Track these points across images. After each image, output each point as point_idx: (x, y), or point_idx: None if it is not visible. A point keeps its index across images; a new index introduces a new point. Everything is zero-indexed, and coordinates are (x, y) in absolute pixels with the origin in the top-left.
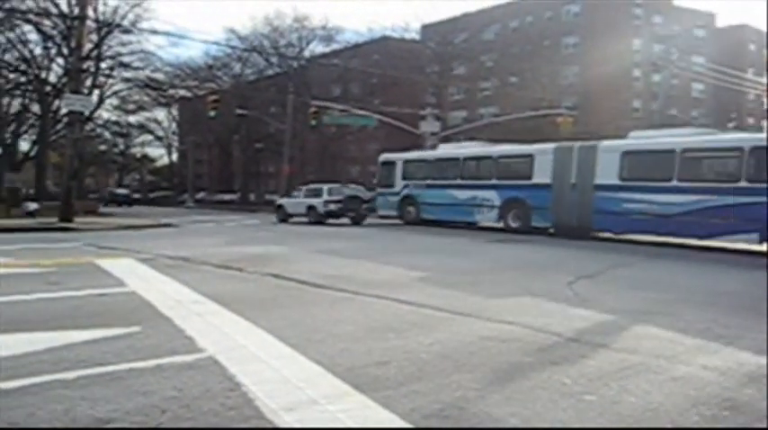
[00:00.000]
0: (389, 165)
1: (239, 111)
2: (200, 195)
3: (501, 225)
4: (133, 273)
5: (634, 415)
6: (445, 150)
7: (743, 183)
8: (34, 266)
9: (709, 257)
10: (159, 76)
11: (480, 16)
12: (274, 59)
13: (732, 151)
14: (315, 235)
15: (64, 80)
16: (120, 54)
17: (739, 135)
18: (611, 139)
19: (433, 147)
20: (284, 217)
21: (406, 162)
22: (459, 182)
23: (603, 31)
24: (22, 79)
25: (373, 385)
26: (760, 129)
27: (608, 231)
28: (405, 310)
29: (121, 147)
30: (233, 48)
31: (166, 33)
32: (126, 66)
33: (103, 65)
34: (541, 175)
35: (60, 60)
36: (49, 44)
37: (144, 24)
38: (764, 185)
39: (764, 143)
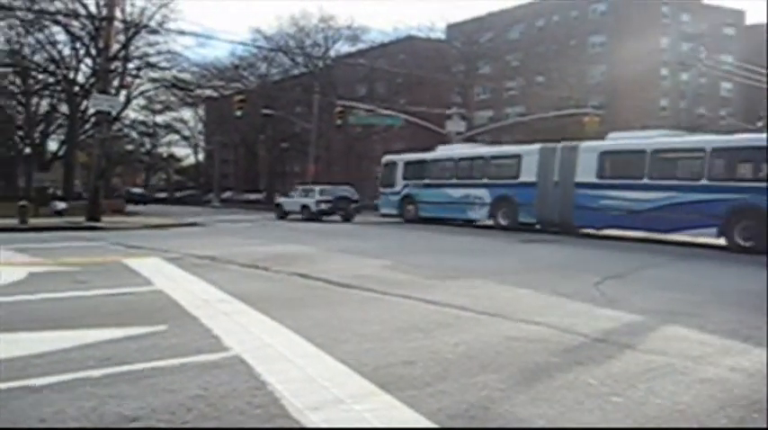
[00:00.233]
0: (391, 165)
1: (265, 111)
2: (226, 195)
3: (491, 222)
4: (160, 272)
5: (661, 416)
6: (442, 152)
7: (704, 182)
8: (62, 265)
9: (737, 258)
10: (186, 76)
11: (506, 15)
12: (300, 59)
13: (696, 152)
14: (336, 234)
15: (92, 80)
16: (147, 54)
17: (703, 137)
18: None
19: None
20: (282, 214)
21: (407, 163)
22: (453, 181)
23: (630, 29)
24: (51, 80)
25: (399, 385)
26: None
27: (587, 226)
28: (431, 310)
29: (148, 146)
30: (259, 48)
31: (193, 34)
32: (153, 66)
33: (131, 65)
34: (528, 174)
35: (88, 61)
36: (78, 45)
37: (171, 25)
38: (723, 184)
39: (724, 145)
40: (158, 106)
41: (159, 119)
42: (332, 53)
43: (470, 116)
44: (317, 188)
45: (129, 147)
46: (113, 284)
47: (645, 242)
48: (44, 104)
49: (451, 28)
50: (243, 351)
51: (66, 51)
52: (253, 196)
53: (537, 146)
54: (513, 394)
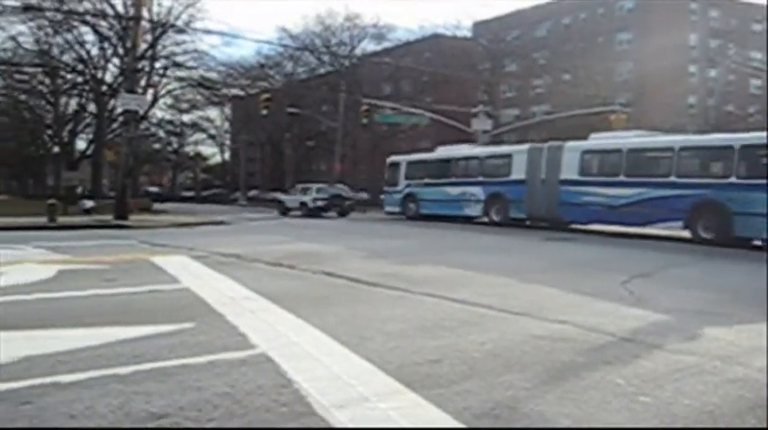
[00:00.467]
0: (395, 166)
1: (291, 110)
2: (253, 193)
3: (486, 219)
4: (186, 270)
5: (689, 417)
6: (440, 153)
7: (672, 178)
8: (91, 263)
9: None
10: (212, 75)
11: (532, 13)
12: (326, 58)
13: (665, 151)
14: (358, 233)
15: (119, 80)
16: (174, 54)
17: (672, 137)
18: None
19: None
20: (284, 210)
21: (409, 163)
22: (451, 180)
23: (658, 26)
24: (80, 79)
25: (425, 383)
26: None
27: (571, 221)
28: (456, 309)
29: (175, 145)
30: (285, 47)
31: (219, 33)
32: (180, 65)
33: (158, 64)
34: (518, 173)
35: (116, 60)
36: (106, 45)
37: (197, 24)
38: (688, 181)
39: (690, 144)
40: (185, 105)
41: (186, 118)
42: (358, 52)
43: (496, 114)
44: (315, 187)
45: (157, 145)
46: (141, 282)
47: (669, 240)
48: (72, 104)
49: (478, 26)
50: (269, 349)
51: (95, 51)
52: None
53: (526, 146)
54: (540, 393)
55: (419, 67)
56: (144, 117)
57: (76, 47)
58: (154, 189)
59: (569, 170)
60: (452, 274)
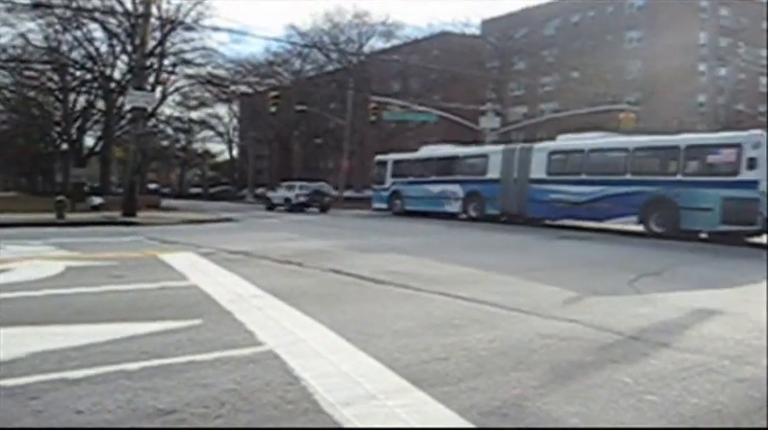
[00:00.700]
0: (382, 164)
1: (299, 107)
2: (261, 190)
3: (465, 215)
4: (194, 267)
5: (697, 416)
6: (424, 152)
7: (628, 176)
8: (99, 260)
9: None
10: (221, 72)
11: (541, 11)
12: (334, 55)
13: (621, 151)
14: (368, 231)
15: (128, 77)
16: (182, 51)
17: (627, 138)
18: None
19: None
20: (270, 205)
21: (395, 162)
22: (433, 178)
23: (668, 24)
24: (88, 76)
25: (432, 381)
26: None
27: (540, 218)
28: (464, 307)
29: (183, 142)
30: (293, 44)
31: (228, 30)
32: (188, 62)
33: (166, 62)
34: (493, 172)
35: (125, 57)
36: (114, 42)
37: (206, 21)
38: (641, 178)
39: (642, 145)
40: (193, 102)
41: (194, 115)
42: (366, 49)
43: (505, 112)
44: (297, 184)
45: (165, 142)
46: (149, 279)
47: (678, 239)
48: (81, 101)
49: (486, 24)
50: (276, 346)
51: (103, 48)
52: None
53: (501, 146)
54: (547, 392)
55: (427, 65)
56: (152, 114)
57: (85, 44)
58: (152, 186)
59: (538, 170)
60: (461, 272)
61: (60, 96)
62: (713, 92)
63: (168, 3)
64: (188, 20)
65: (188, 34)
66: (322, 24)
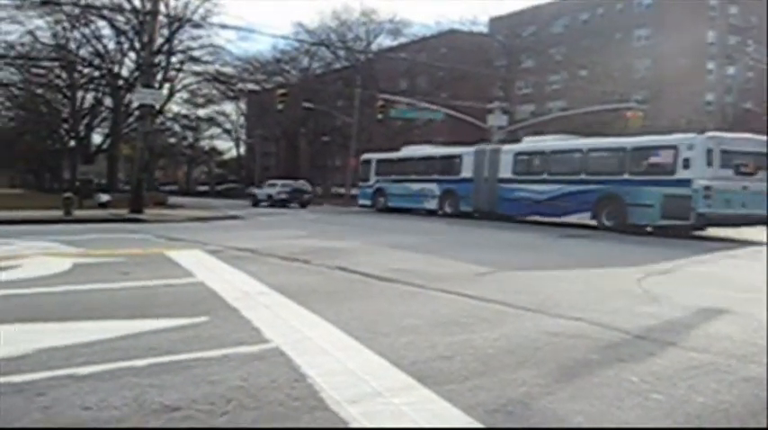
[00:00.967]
0: (367, 163)
1: (306, 105)
2: None
3: (440, 211)
4: (201, 264)
5: (703, 415)
6: (405, 152)
7: (582, 176)
8: (106, 256)
9: None
10: (228, 69)
11: (549, 9)
12: (342, 53)
13: (577, 152)
14: (376, 229)
15: (136, 74)
16: (190, 48)
17: (582, 140)
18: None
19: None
20: (255, 202)
21: (379, 161)
22: (413, 177)
23: (676, 22)
24: (96, 74)
25: (438, 379)
26: None
27: (508, 214)
28: (470, 305)
29: (190, 140)
30: (301, 41)
31: (236, 28)
32: (196, 60)
33: (174, 59)
34: (467, 172)
35: (132, 55)
36: (122, 39)
37: (214, 19)
38: (594, 177)
39: (595, 146)
40: (201, 100)
41: (201, 112)
42: (373, 47)
43: (512, 110)
44: (279, 182)
45: (172, 140)
46: (156, 276)
47: (683, 238)
48: (89, 98)
49: (494, 21)
50: (283, 343)
51: (111, 46)
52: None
53: (473, 148)
54: (553, 390)
55: (435, 63)
56: (160, 111)
57: (93, 41)
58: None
59: (505, 170)
60: (467, 271)
61: (68, 93)
62: (721, 90)
63: (176, 0)
64: (196, 17)
65: (196, 32)
66: (329, 22)
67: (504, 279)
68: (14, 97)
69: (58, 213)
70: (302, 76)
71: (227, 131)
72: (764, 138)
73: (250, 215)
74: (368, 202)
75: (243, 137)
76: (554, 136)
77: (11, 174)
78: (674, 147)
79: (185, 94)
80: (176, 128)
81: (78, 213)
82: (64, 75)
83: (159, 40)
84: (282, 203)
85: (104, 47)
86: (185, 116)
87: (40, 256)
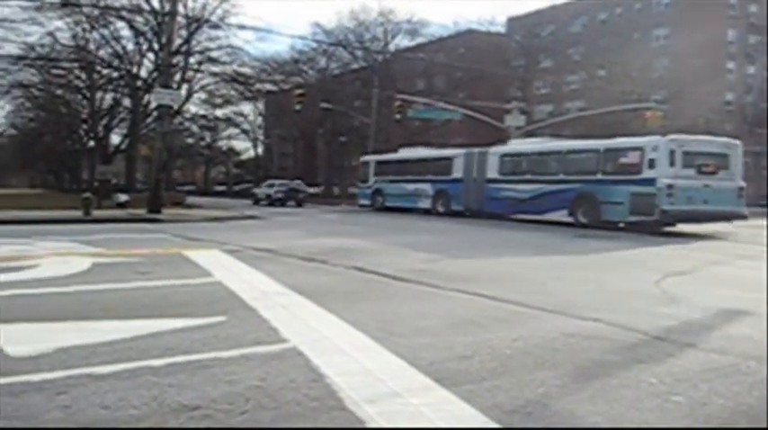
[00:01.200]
0: (366, 164)
1: (324, 105)
2: None
3: (434, 211)
4: (219, 264)
5: (722, 417)
6: (401, 154)
7: (561, 176)
8: (125, 256)
9: None
10: (246, 70)
11: (567, 8)
12: (359, 53)
13: (555, 154)
14: (392, 229)
15: (154, 75)
16: (208, 49)
17: (560, 143)
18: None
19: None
20: (256, 201)
21: (377, 162)
22: (409, 177)
23: (696, 21)
24: (115, 74)
25: (455, 379)
26: None
27: (495, 213)
28: (488, 305)
29: (208, 140)
30: (318, 42)
31: (254, 28)
32: (214, 60)
33: (192, 60)
34: (457, 173)
35: (151, 56)
36: (141, 40)
37: (232, 20)
38: (571, 177)
39: (572, 148)
40: (219, 100)
41: (219, 112)
42: (391, 47)
43: (530, 110)
44: (277, 182)
45: (190, 140)
46: (174, 275)
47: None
48: (108, 98)
49: (512, 21)
50: (300, 343)
51: (130, 47)
52: (311, 189)
53: (463, 150)
54: (571, 391)
55: (452, 63)
56: (178, 112)
57: (112, 42)
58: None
59: (492, 171)
60: (484, 271)
61: (87, 94)
62: (741, 90)
63: (194, 1)
64: (214, 18)
65: (214, 32)
66: (347, 22)
67: (521, 279)
68: (34, 98)
69: (77, 213)
70: (320, 77)
71: (245, 132)
72: (725, 140)
73: (268, 215)
74: (367, 202)
75: (260, 137)
76: (538, 138)
77: (31, 175)
78: (640, 149)
79: (203, 95)
80: (194, 128)
81: (97, 213)
82: (83, 75)
83: (178, 41)
84: (280, 202)
85: (123, 48)
86: (203, 116)
87: (60, 256)
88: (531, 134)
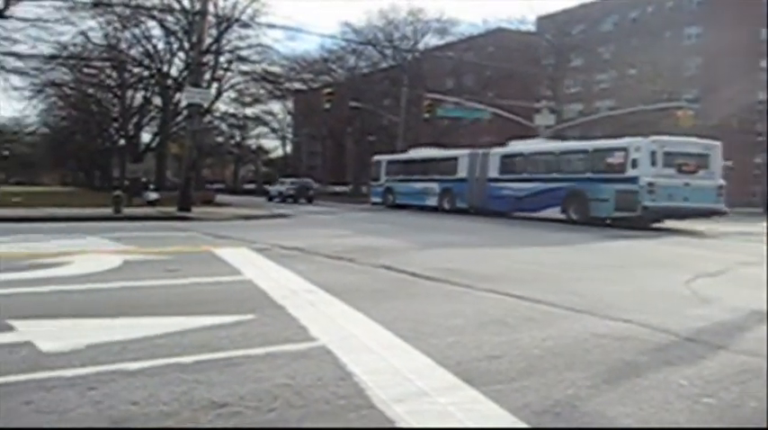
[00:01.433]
0: (378, 164)
1: (353, 104)
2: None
3: (440, 208)
4: (248, 262)
5: (754, 419)
6: (411, 154)
7: (554, 175)
8: (155, 254)
9: None
10: (276, 69)
11: (598, 7)
12: (388, 52)
13: (550, 154)
14: (421, 228)
15: (184, 74)
16: (238, 48)
17: (554, 143)
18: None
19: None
20: (270, 197)
21: (388, 162)
22: (417, 176)
23: (728, 20)
24: (146, 73)
25: (484, 379)
26: None
27: (496, 210)
28: (516, 305)
29: (238, 138)
30: (348, 41)
31: (283, 27)
32: (244, 59)
33: (222, 58)
34: (462, 172)
35: (181, 55)
36: (172, 39)
37: (262, 19)
38: (563, 176)
39: (565, 149)
40: (248, 99)
41: (249, 111)
42: (420, 46)
43: (560, 109)
44: (288, 180)
45: (220, 139)
46: (203, 273)
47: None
48: (138, 97)
49: (542, 20)
50: (329, 341)
51: (161, 46)
52: (339, 188)
53: (467, 151)
54: (601, 392)
55: (482, 62)
56: (208, 110)
57: (143, 41)
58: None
59: (493, 170)
60: (514, 270)
61: (118, 93)
62: None
63: (225, 0)
64: (244, 17)
65: (244, 31)
66: (376, 21)
67: (550, 279)
68: (66, 97)
69: (108, 211)
70: (349, 76)
71: (274, 130)
72: (706, 141)
73: (298, 213)
74: (379, 200)
75: (289, 136)
76: (536, 139)
77: (62, 173)
78: (624, 149)
79: (233, 94)
80: (224, 127)
81: (127, 211)
82: (114, 74)
83: (208, 40)
84: (291, 198)
85: (154, 47)
86: (233, 115)
87: (91, 253)
88: (560, 133)
